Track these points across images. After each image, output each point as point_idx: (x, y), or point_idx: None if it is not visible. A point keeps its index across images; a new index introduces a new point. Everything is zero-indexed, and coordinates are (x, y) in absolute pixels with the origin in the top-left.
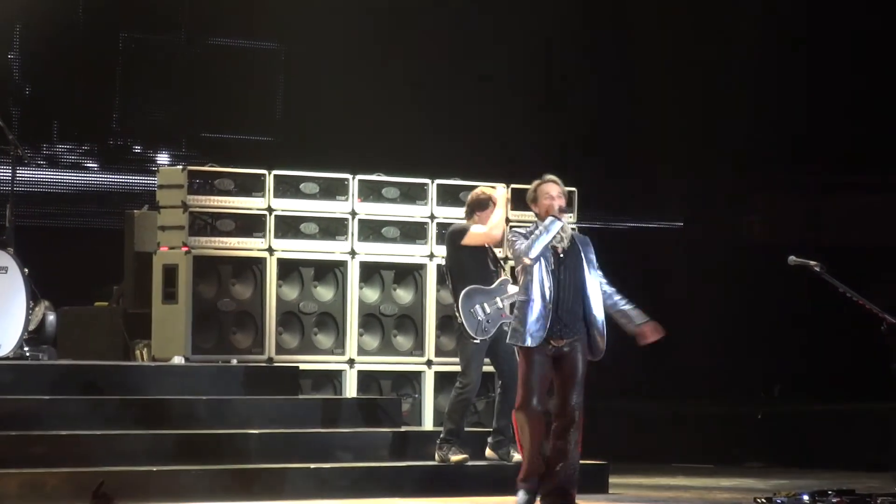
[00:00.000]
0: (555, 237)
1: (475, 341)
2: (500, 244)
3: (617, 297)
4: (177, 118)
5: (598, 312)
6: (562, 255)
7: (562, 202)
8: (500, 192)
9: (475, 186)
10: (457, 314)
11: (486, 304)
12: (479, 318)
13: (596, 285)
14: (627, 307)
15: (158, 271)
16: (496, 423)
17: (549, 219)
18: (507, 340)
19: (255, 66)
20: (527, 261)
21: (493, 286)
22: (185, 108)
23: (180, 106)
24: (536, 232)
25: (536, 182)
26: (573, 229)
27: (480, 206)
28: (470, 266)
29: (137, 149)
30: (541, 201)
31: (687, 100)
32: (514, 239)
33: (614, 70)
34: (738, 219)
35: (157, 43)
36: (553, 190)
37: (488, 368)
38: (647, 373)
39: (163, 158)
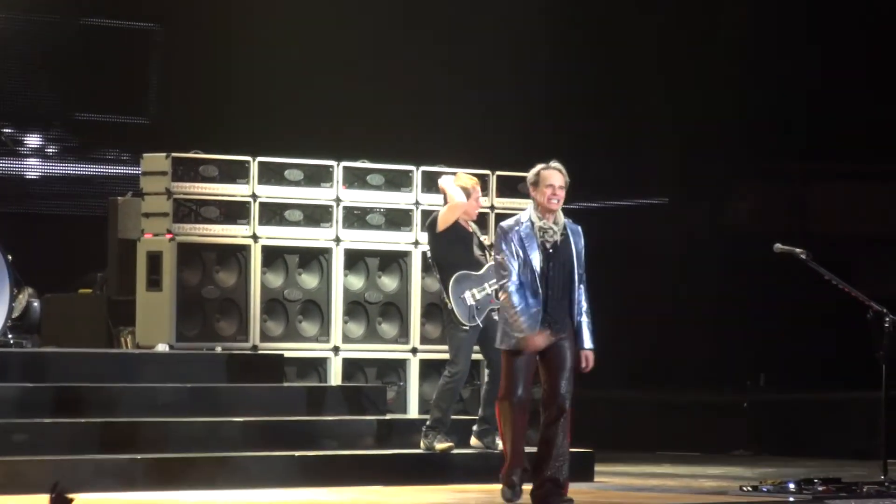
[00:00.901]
0: (547, 231)
1: (465, 328)
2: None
3: (581, 306)
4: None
5: (584, 304)
6: (551, 251)
7: (562, 194)
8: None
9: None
10: (447, 301)
11: (475, 291)
12: (469, 303)
13: (580, 281)
14: (584, 321)
15: (142, 258)
16: (482, 412)
17: (520, 334)
18: (497, 345)
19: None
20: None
21: (481, 272)
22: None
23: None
24: (513, 318)
25: (540, 166)
26: (566, 219)
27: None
28: (457, 253)
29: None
30: (541, 188)
31: (675, 88)
32: (502, 263)
33: (602, 54)
34: (724, 207)
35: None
36: (556, 179)
37: (476, 356)
38: (632, 361)
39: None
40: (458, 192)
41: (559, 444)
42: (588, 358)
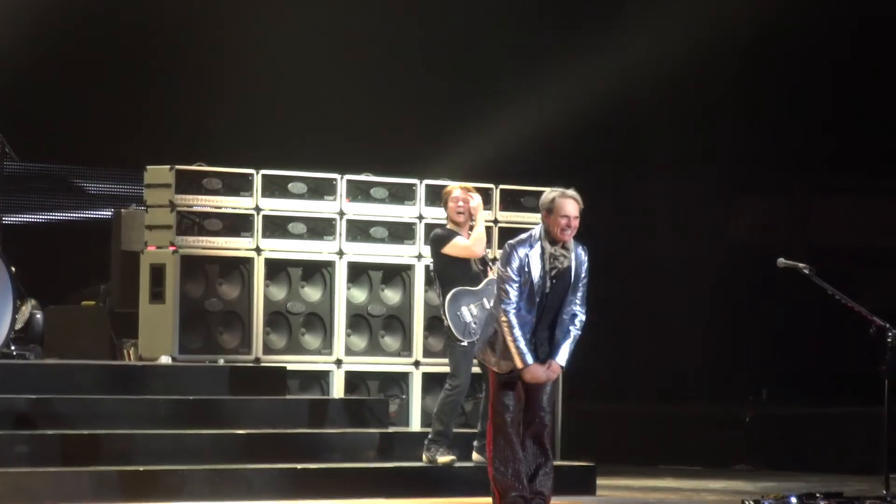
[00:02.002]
0: (557, 258)
1: (462, 344)
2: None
3: (572, 326)
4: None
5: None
6: (554, 281)
7: (576, 224)
8: (475, 203)
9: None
10: (444, 317)
11: (472, 306)
12: (465, 320)
13: (570, 307)
14: (569, 339)
15: (146, 271)
16: (481, 426)
17: (522, 365)
18: (475, 352)
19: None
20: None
21: (479, 287)
22: None
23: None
24: (515, 347)
25: (556, 192)
26: (577, 245)
27: (445, 203)
28: (456, 268)
29: None
30: (555, 216)
31: (677, 100)
32: (505, 297)
33: (604, 70)
34: (726, 220)
35: None
36: (571, 210)
37: (477, 370)
38: (634, 375)
39: None
40: (483, 234)
41: (549, 458)
42: (553, 370)
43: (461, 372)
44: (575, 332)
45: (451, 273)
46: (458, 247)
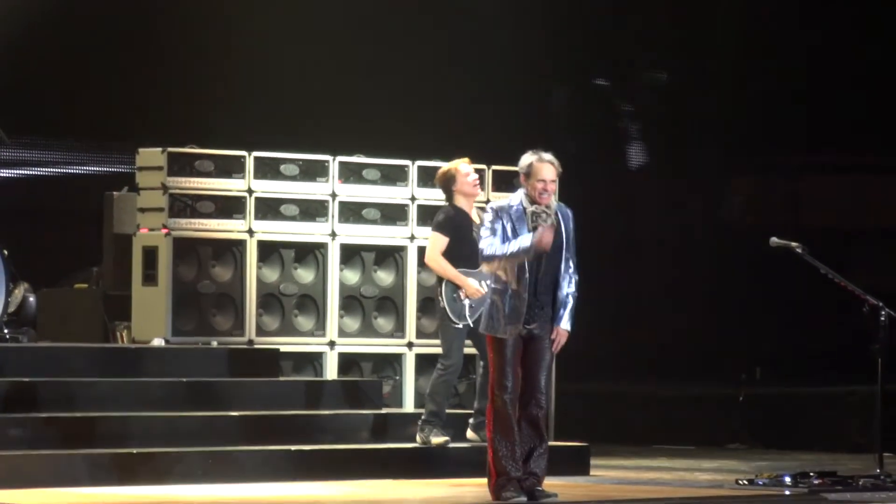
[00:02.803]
0: (540, 216)
1: (457, 326)
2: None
3: (570, 291)
4: None
5: (567, 292)
6: None
7: (554, 187)
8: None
9: None
10: (439, 298)
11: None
12: (462, 301)
13: (567, 267)
14: (569, 303)
15: (138, 253)
16: (477, 404)
17: (528, 241)
18: (481, 329)
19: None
20: (484, 267)
21: (476, 269)
22: None
23: None
24: (508, 248)
25: (533, 157)
26: (558, 203)
27: (450, 182)
28: (453, 249)
29: None
30: (532, 181)
31: (671, 81)
32: (484, 241)
33: (599, 48)
34: (719, 199)
35: None
36: (549, 173)
37: (470, 350)
38: (627, 354)
39: None
40: (461, 280)
41: (544, 439)
42: (561, 336)
43: (454, 352)
44: (574, 296)
45: (450, 253)
46: (434, 249)
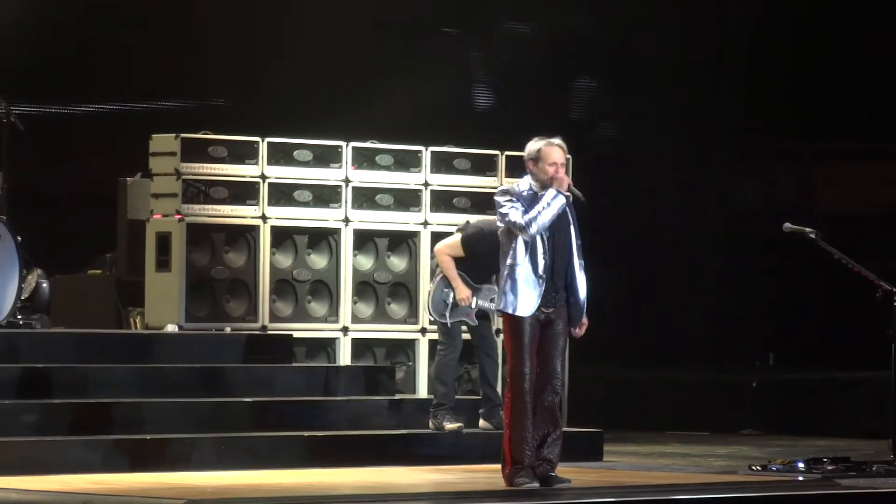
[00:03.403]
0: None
1: (431, 318)
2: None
3: (583, 279)
4: None
5: (581, 280)
6: (558, 218)
7: (563, 171)
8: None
9: (469, 154)
10: (430, 286)
11: (481, 300)
12: (448, 301)
13: (578, 252)
14: (585, 292)
15: (152, 239)
16: (482, 391)
17: (553, 192)
18: (495, 306)
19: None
20: (524, 235)
21: (478, 285)
22: None
23: None
24: (539, 206)
25: (542, 142)
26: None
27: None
28: (467, 261)
29: None
30: (543, 165)
31: (685, 68)
32: (505, 210)
33: (613, 37)
34: (731, 185)
35: None
36: (558, 156)
37: (467, 336)
38: (640, 340)
39: None
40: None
41: (559, 424)
42: (583, 325)
43: (452, 331)
44: (586, 284)
45: (466, 257)
46: (449, 248)
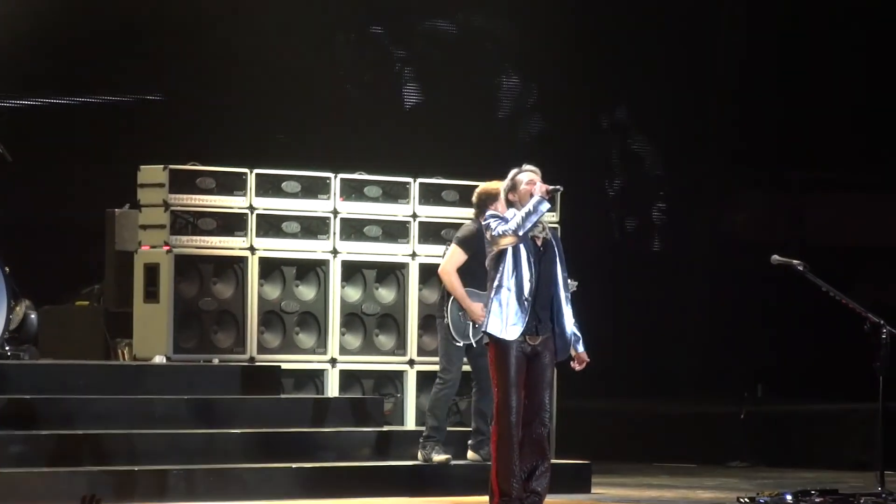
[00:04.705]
0: (536, 227)
1: (458, 344)
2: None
3: (570, 314)
4: None
5: (567, 313)
6: (541, 248)
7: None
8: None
9: (457, 185)
10: (444, 313)
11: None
12: (467, 321)
13: (564, 285)
14: (575, 325)
15: (140, 270)
16: (474, 423)
17: (536, 198)
18: (484, 329)
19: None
20: (511, 240)
21: (486, 292)
22: None
23: None
24: (523, 211)
25: (514, 171)
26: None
27: (491, 200)
28: (470, 267)
29: None
30: (520, 189)
31: (675, 95)
32: (493, 225)
33: (601, 65)
34: (721, 216)
35: None
36: (531, 176)
37: (467, 368)
38: (629, 372)
39: None
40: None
41: (543, 458)
42: (582, 358)
43: (453, 366)
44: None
45: (464, 270)
46: (451, 262)
